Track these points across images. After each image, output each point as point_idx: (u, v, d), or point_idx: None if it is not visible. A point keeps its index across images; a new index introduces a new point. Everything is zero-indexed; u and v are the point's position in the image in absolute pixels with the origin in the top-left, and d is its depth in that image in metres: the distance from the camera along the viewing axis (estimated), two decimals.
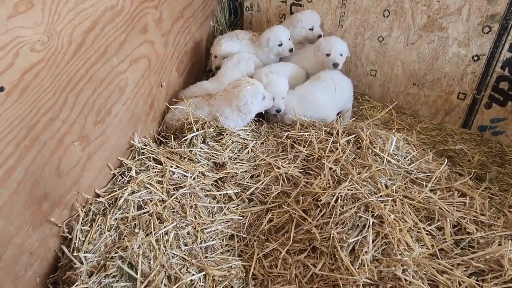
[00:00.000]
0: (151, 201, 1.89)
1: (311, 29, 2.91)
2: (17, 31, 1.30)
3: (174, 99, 2.53)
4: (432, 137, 2.66)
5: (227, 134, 2.35)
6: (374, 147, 2.23)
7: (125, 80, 1.97)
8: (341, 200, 1.93)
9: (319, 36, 2.89)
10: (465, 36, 2.49)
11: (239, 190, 2.12)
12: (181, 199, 1.96)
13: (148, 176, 2.00)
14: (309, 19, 2.89)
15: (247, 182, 2.15)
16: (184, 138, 2.25)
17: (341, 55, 2.70)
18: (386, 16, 2.71)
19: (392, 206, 1.88)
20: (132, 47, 2.00)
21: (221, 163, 2.23)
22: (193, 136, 2.27)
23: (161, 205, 1.89)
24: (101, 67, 1.74)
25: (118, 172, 2.01)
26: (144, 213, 1.84)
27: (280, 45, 2.82)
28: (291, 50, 2.85)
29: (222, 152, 2.25)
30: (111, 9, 1.77)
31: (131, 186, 1.90)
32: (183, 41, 2.75)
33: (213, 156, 2.23)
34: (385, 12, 2.70)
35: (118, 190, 1.89)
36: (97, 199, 1.86)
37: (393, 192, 1.98)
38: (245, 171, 2.22)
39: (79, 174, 1.71)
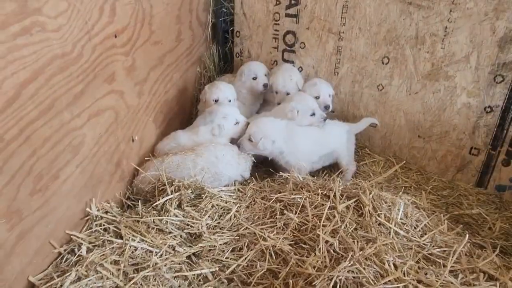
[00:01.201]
0: None
1: (255, 78, 2.76)
2: None
3: (146, 158, 2.21)
4: (444, 198, 2.32)
5: (206, 197, 2.02)
6: (378, 215, 1.89)
7: (80, 137, 1.66)
8: (340, 285, 1.56)
9: (265, 86, 2.74)
10: (475, 85, 2.23)
11: (217, 268, 1.74)
12: (141, 284, 1.58)
13: (102, 255, 1.63)
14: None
15: (227, 258, 1.78)
16: (155, 204, 1.91)
17: (330, 96, 2.60)
18: (385, 63, 2.47)
19: None
20: (92, 99, 1.72)
21: (197, 233, 1.87)
22: (167, 200, 1.94)
23: None
24: (45, 124, 1.44)
25: (65, 250, 1.63)
26: None
27: (255, 78, 2.74)
28: (265, 86, 2.73)
29: (199, 220, 1.90)
30: (63, 56, 1.50)
31: (77, 270, 1.52)
32: (163, 90, 2.49)
33: (187, 225, 1.88)
34: (384, 59, 2.46)
35: (59, 276, 1.51)
36: None
37: (404, 275, 1.60)
38: (226, 243, 1.85)
39: (3, 260, 1.34)
